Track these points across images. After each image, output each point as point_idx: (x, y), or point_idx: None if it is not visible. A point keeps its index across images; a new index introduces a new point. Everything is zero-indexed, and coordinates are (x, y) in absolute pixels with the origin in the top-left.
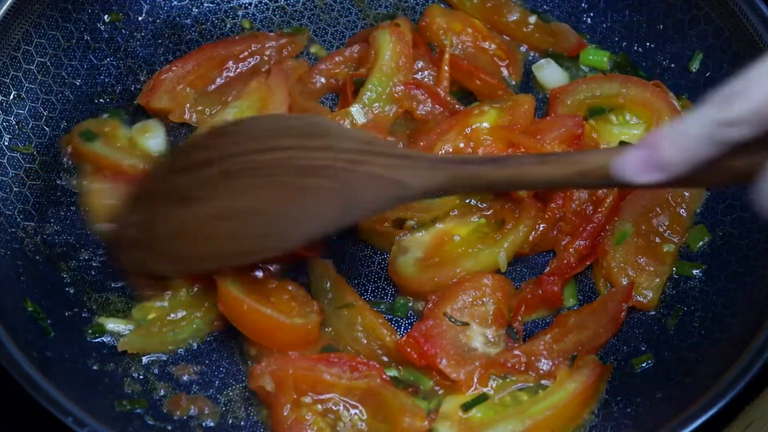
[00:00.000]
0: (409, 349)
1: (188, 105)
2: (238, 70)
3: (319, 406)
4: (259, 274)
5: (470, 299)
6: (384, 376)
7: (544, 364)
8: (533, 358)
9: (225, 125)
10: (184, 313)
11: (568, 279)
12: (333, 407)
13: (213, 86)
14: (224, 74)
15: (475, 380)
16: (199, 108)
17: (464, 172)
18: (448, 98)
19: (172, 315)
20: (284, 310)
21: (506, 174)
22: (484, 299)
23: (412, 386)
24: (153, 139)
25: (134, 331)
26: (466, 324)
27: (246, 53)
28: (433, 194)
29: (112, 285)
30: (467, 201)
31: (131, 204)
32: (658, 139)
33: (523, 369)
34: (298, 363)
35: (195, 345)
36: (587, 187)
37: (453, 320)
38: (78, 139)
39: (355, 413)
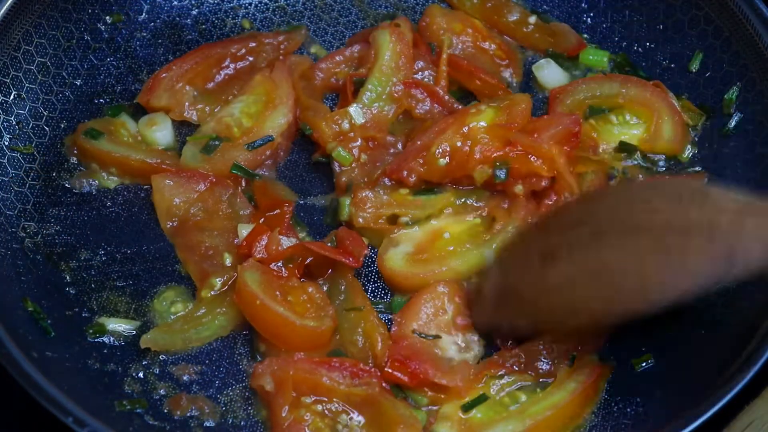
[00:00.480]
0: (397, 373)
1: (187, 103)
2: (236, 68)
3: (319, 407)
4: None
5: (432, 311)
6: (384, 385)
7: (544, 364)
8: (533, 357)
9: (597, 192)
10: (205, 310)
11: None
12: (333, 409)
13: (212, 84)
14: (223, 72)
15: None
16: (199, 106)
17: None
18: (447, 97)
19: (196, 312)
20: (298, 310)
21: None
22: (445, 307)
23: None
24: (160, 132)
25: (158, 328)
26: (438, 336)
27: (244, 51)
28: None
29: (113, 285)
30: (462, 200)
31: (498, 262)
32: None
33: (522, 369)
34: (300, 365)
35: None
36: None
37: (424, 336)
38: (83, 138)
39: (353, 418)
